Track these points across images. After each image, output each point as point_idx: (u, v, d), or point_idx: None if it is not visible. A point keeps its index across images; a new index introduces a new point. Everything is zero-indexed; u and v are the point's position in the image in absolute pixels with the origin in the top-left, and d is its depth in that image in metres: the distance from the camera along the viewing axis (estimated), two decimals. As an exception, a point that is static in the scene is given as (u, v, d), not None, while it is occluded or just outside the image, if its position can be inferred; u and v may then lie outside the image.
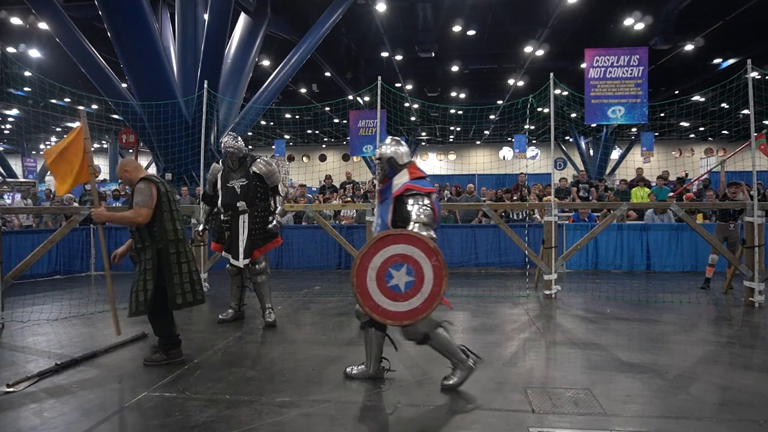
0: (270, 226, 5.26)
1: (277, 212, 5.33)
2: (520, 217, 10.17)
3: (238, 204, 5.18)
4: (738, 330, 5.29)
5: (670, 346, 4.64)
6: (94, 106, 18.45)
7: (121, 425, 3.08)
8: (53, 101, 17.80)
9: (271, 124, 20.89)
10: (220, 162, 5.39)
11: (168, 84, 10.75)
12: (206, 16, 11.06)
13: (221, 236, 5.37)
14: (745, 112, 6.90)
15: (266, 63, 17.01)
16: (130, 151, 22.59)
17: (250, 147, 6.73)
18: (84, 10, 13.13)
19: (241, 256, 5.18)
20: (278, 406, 3.24)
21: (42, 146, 32.57)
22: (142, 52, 10.23)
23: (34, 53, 15.71)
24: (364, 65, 19.55)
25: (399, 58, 17.87)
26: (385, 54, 17.44)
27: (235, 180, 5.22)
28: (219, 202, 5.31)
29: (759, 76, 7.25)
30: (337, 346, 4.59)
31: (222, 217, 5.29)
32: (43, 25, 12.67)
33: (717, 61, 17.57)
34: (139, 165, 4.30)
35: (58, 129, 26.79)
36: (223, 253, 5.36)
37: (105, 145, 31.82)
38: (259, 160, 5.32)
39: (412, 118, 23.65)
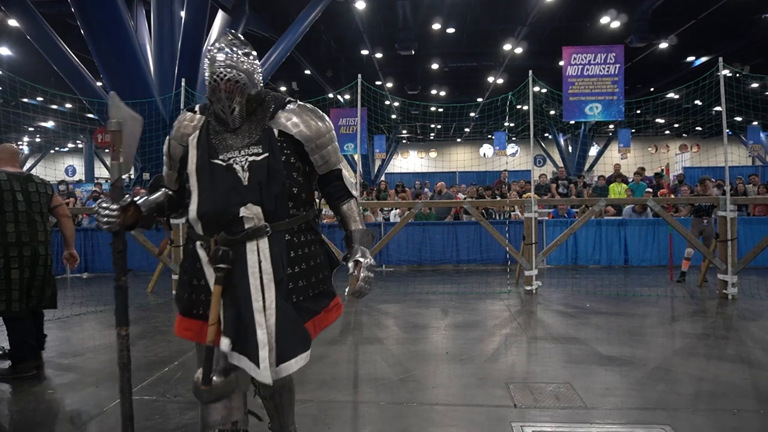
0: (367, 260, 2.10)
1: (355, 240, 2.15)
2: (503, 218, 10.23)
3: (242, 213, 1.99)
4: (712, 322, 5.42)
5: (647, 339, 4.74)
6: (68, 105, 18.06)
7: (98, 429, 3.02)
8: (25, 100, 17.35)
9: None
10: (198, 109, 2.19)
11: (144, 82, 10.57)
12: (183, 13, 10.90)
13: (192, 299, 2.09)
14: (718, 108, 7.05)
15: (245, 61, 16.83)
16: (106, 150, 22.17)
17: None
18: (56, 6, 12.82)
19: (263, 356, 1.93)
20: (260, 407, 3.21)
21: (15, 145, 31.73)
22: (117, 50, 10.04)
23: (5, 51, 15.30)
24: (344, 63, 19.49)
25: (379, 55, 17.85)
26: (365, 52, 17.40)
27: (236, 150, 2.04)
28: (191, 206, 2.06)
29: (730, 74, 7.43)
30: (320, 346, 4.58)
31: (198, 248, 2.06)
32: (13, 22, 12.33)
33: (690, 59, 17.93)
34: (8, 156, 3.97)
35: (31, 129, 26.16)
36: (223, 344, 1.94)
37: (80, 145, 31.19)
38: (294, 105, 2.16)
39: (393, 116, 23.67)
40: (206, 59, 2.06)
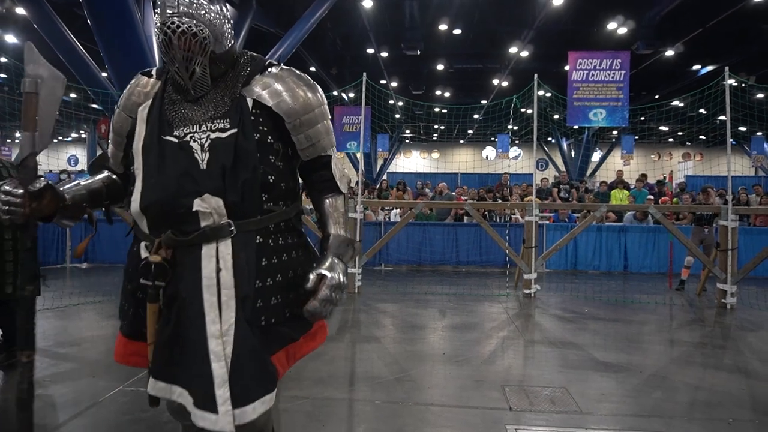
0: (335, 276, 1.58)
1: (330, 247, 1.64)
2: (503, 221, 10.25)
3: (197, 206, 1.49)
4: (710, 331, 5.42)
5: (644, 346, 4.73)
6: (73, 95, 18.08)
7: (94, 420, 3.02)
8: (30, 88, 17.38)
9: (255, 117, 20.67)
10: (154, 73, 1.73)
11: (149, 74, 10.58)
12: (190, 7, 10.89)
13: (141, 316, 1.58)
14: (722, 118, 7.05)
15: (250, 56, 16.83)
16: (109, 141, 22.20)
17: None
18: (63, -5, 12.83)
19: (222, 397, 1.41)
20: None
21: (17, 134, 31.80)
22: (123, 41, 10.05)
23: (11, 39, 15.32)
24: (350, 61, 19.47)
25: (384, 55, 17.84)
26: (370, 50, 17.38)
27: (195, 125, 1.57)
28: (133, 195, 1.58)
29: (736, 84, 7.42)
30: (316, 343, 4.58)
31: (142, 248, 1.59)
32: (20, 11, 12.36)
33: (696, 67, 17.91)
34: None
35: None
36: (150, 386, 1.60)
37: (83, 135, 31.22)
38: (277, 68, 1.68)
39: (397, 116, 23.67)
40: (156, 7, 1.57)
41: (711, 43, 15.19)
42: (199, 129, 1.55)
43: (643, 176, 11.45)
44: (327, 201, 1.71)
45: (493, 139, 23.47)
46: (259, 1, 13.71)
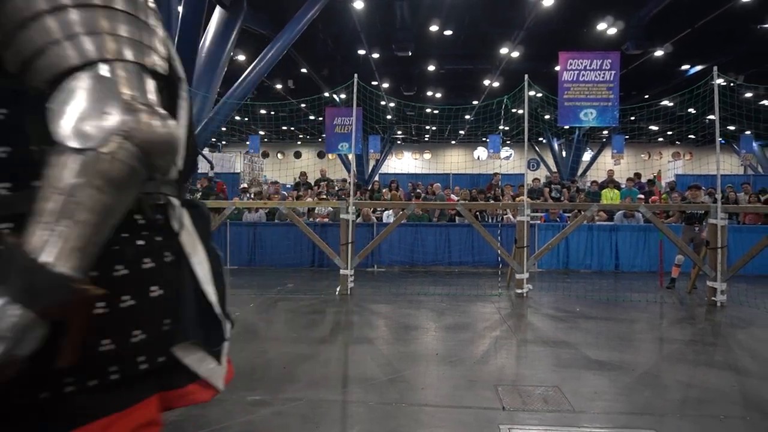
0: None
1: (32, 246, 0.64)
2: (495, 221, 10.29)
3: None
4: (701, 328, 5.46)
5: (636, 344, 4.77)
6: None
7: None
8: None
9: (246, 119, 20.63)
10: None
11: (139, 76, 10.52)
12: (180, 9, 10.85)
13: None
14: (711, 117, 7.12)
15: (242, 58, 16.78)
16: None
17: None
18: None
19: None
20: (249, 405, 3.21)
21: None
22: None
23: None
24: (341, 62, 19.46)
25: (376, 56, 17.86)
26: (362, 52, 17.39)
27: None
28: None
29: (724, 83, 7.49)
30: (309, 344, 4.57)
31: None
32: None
33: (685, 67, 18.08)
34: None
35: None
36: None
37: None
38: None
39: (388, 117, 23.68)
40: None
41: (700, 43, 15.33)
42: None
43: (637, 175, 11.52)
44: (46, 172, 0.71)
45: (484, 139, 23.55)
46: (251, 2, 13.66)
